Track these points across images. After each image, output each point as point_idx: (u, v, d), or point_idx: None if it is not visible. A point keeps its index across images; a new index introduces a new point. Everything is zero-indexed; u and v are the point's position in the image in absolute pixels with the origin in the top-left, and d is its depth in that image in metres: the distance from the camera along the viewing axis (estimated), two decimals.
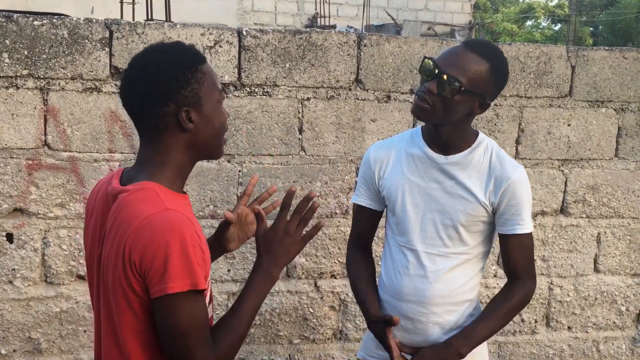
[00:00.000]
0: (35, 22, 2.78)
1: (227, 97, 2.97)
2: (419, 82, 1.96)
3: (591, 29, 30.42)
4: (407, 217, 2.01)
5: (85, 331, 3.02)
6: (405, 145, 2.05)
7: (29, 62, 2.80)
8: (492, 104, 3.09)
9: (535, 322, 3.49)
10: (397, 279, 2.04)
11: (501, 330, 3.41)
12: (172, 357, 1.40)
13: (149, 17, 8.19)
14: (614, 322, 3.57)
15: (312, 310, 3.24)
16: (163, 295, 1.33)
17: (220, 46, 2.97)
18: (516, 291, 2.01)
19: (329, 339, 3.29)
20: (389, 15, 15.20)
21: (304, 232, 1.59)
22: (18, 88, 2.81)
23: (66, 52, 2.82)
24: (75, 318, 3.01)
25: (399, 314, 2.02)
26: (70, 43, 2.82)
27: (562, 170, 3.37)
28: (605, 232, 3.47)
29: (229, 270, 3.14)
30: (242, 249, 3.13)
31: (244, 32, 2.99)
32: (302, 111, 3.09)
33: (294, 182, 3.11)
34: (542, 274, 3.42)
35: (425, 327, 2.02)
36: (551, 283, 3.46)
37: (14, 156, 2.85)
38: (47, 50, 2.80)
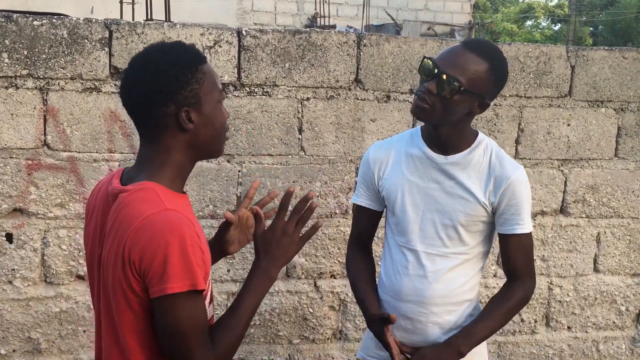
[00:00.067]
0: (35, 22, 2.78)
1: (226, 97, 2.97)
2: (419, 82, 1.96)
3: (591, 29, 30.42)
4: (406, 217, 2.01)
5: (84, 331, 3.02)
6: (404, 145, 2.05)
7: (29, 62, 2.80)
8: (492, 103, 3.09)
9: (535, 322, 3.49)
10: (396, 279, 2.04)
11: (501, 330, 3.42)
12: (171, 357, 1.40)
13: (149, 17, 8.19)
14: (614, 322, 3.57)
15: (311, 310, 3.24)
16: (162, 296, 1.33)
17: (220, 46, 2.97)
18: (516, 291, 2.01)
19: (328, 339, 3.29)
20: (389, 15, 15.20)
21: (302, 233, 1.59)
22: (18, 88, 2.81)
23: (66, 52, 2.82)
24: (74, 318, 3.01)
25: (399, 314, 2.03)
26: (70, 43, 2.82)
27: (562, 170, 3.37)
28: (605, 232, 3.47)
29: (228, 270, 3.14)
30: (242, 249, 3.13)
31: (244, 32, 2.99)
32: (302, 111, 3.09)
33: (293, 182, 3.11)
34: (542, 274, 3.42)
35: (425, 327, 2.02)
36: (551, 283, 3.46)
37: (14, 156, 2.85)
38: (46, 50, 2.80)
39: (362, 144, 3.14)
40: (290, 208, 1.60)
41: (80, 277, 2.99)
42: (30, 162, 2.87)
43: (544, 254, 3.42)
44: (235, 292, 3.12)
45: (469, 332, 1.96)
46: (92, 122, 2.90)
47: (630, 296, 3.56)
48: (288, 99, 3.06)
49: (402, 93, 3.16)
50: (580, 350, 3.57)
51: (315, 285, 3.23)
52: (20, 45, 2.77)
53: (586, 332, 3.55)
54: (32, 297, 2.96)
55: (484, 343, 2.08)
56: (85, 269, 2.93)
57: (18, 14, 2.81)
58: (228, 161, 3.06)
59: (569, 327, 3.53)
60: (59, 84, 2.84)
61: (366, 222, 2.17)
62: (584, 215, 3.43)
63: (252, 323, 3.18)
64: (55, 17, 2.85)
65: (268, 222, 1.62)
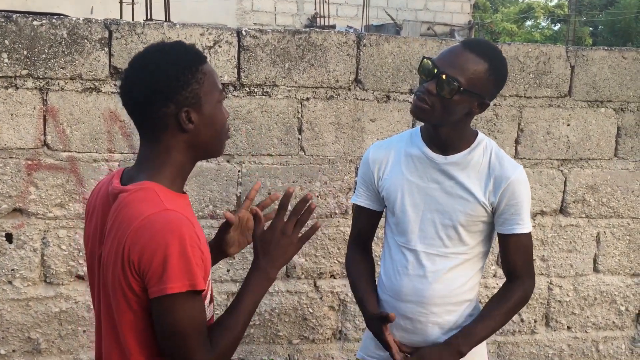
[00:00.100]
0: (35, 22, 2.78)
1: (226, 97, 2.97)
2: (418, 82, 1.96)
3: (591, 29, 30.42)
4: (406, 217, 2.01)
5: (84, 331, 3.02)
6: (404, 145, 2.05)
7: (29, 62, 2.80)
8: (492, 103, 3.09)
9: (535, 322, 3.49)
10: (396, 279, 2.04)
11: (500, 330, 3.43)
12: (169, 357, 1.40)
13: (149, 17, 8.19)
14: (614, 322, 3.57)
15: (311, 310, 3.24)
16: (162, 296, 1.33)
17: (220, 46, 2.97)
18: (515, 290, 2.01)
19: (328, 339, 3.29)
20: (389, 15, 15.20)
21: (301, 233, 1.59)
22: (17, 88, 2.81)
23: (65, 52, 2.82)
24: (74, 318, 3.01)
25: (399, 314, 2.03)
26: (70, 43, 2.82)
27: (562, 170, 3.38)
28: (604, 232, 3.47)
29: (228, 270, 3.14)
30: (242, 250, 3.13)
31: (244, 32, 2.99)
32: (302, 111, 3.09)
33: (293, 182, 3.11)
34: (542, 274, 3.42)
35: (425, 327, 2.02)
36: (551, 283, 3.46)
37: (14, 156, 2.85)
38: (46, 51, 2.80)
39: (362, 144, 3.15)
40: (290, 208, 1.60)
41: (80, 277, 2.99)
42: (30, 162, 2.87)
43: (544, 254, 3.42)
44: (235, 292, 3.12)
45: (468, 332, 1.96)
46: (92, 122, 2.90)
47: (630, 296, 3.56)
48: (288, 99, 3.06)
49: (401, 93, 3.16)
50: (580, 350, 3.57)
51: (315, 285, 3.23)
52: (20, 45, 2.77)
53: (586, 332, 3.55)
54: (31, 297, 2.96)
55: (484, 343, 2.08)
56: (85, 269, 2.93)
57: (18, 14, 2.81)
58: (228, 161, 3.06)
59: (568, 327, 3.53)
60: (58, 84, 2.84)
61: (366, 222, 2.17)
62: (583, 215, 3.43)
63: (252, 323, 3.18)
64: (55, 17, 2.85)
65: (268, 224, 1.62)
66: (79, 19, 2.86)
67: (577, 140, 3.36)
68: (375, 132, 3.15)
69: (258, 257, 1.57)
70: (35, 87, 2.83)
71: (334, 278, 3.24)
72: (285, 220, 1.57)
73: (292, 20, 15.58)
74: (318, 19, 14.20)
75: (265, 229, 1.59)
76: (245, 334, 3.19)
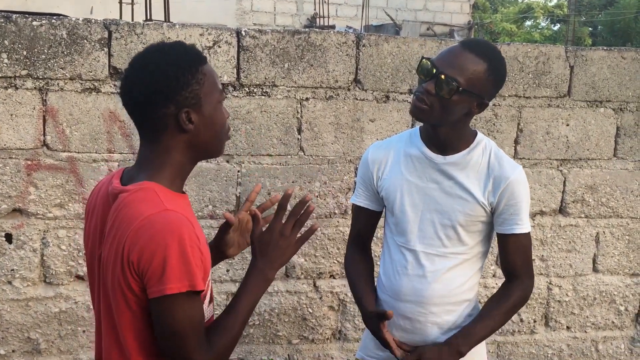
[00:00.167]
0: (34, 23, 2.78)
1: (226, 97, 2.97)
2: (417, 82, 1.96)
3: (590, 29, 30.42)
4: (405, 217, 2.01)
5: (84, 331, 3.02)
6: (403, 145, 2.05)
7: (28, 63, 2.80)
8: (491, 104, 3.09)
9: (534, 322, 3.49)
10: (395, 279, 2.04)
11: (500, 330, 3.43)
12: (168, 357, 1.41)
13: (148, 17, 8.19)
14: (613, 322, 3.57)
15: (311, 311, 3.24)
16: (161, 296, 1.34)
17: (219, 46, 2.97)
18: (514, 290, 2.01)
19: (327, 339, 3.29)
20: (388, 15, 15.20)
21: (298, 235, 1.59)
22: (17, 88, 2.81)
23: (65, 53, 2.82)
24: (74, 318, 3.01)
25: (398, 314, 2.03)
26: (69, 43, 2.82)
27: (561, 170, 3.38)
28: (604, 232, 3.47)
29: (227, 271, 3.14)
30: None
31: (243, 33, 2.99)
32: (301, 111, 3.09)
33: (292, 182, 3.11)
34: (541, 274, 3.43)
35: (424, 327, 2.02)
36: (550, 283, 3.47)
37: (13, 156, 2.86)
38: (46, 51, 2.80)
39: (361, 144, 3.15)
40: (289, 208, 1.60)
41: (79, 277, 2.99)
42: (29, 162, 2.87)
43: (543, 254, 3.43)
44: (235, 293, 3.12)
45: (468, 332, 1.96)
46: (92, 123, 2.90)
47: (629, 296, 3.56)
48: (287, 99, 3.06)
49: (401, 93, 3.16)
50: (580, 350, 3.57)
51: (314, 285, 3.24)
52: (20, 45, 2.78)
53: (585, 332, 3.56)
54: (31, 297, 2.96)
55: (483, 343, 2.08)
56: (84, 269, 2.93)
57: (17, 15, 2.81)
58: (227, 161, 3.06)
59: (568, 327, 3.53)
60: (58, 84, 2.84)
61: (365, 222, 2.18)
62: (583, 215, 3.43)
63: (251, 323, 3.19)
64: (55, 17, 2.85)
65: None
66: (78, 19, 2.86)
67: (576, 140, 3.36)
68: (375, 132, 3.16)
69: (256, 258, 1.57)
70: (35, 88, 2.83)
71: (334, 278, 3.25)
72: (284, 221, 1.58)
73: (291, 20, 15.58)
74: (317, 19, 14.20)
75: (263, 230, 1.59)
76: (245, 334, 3.19)
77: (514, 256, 2.01)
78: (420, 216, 1.99)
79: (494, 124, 3.27)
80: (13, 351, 2.98)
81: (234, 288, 3.14)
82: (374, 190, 2.10)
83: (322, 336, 3.28)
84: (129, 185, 1.44)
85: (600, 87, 3.34)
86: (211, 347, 1.42)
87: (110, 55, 2.87)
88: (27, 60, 2.79)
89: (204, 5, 14.16)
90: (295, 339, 3.26)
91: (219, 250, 1.74)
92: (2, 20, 2.75)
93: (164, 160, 1.46)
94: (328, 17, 13.73)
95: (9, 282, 2.93)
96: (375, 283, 2.19)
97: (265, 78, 3.02)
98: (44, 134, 2.87)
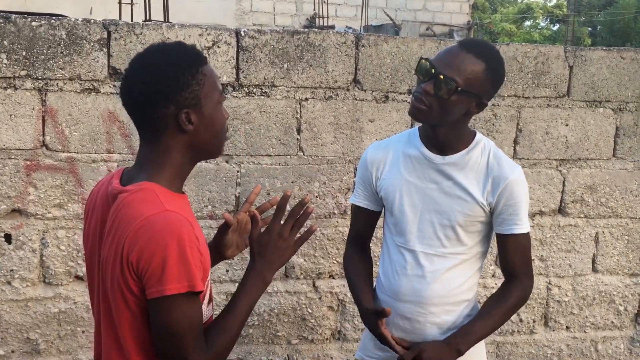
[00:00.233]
0: (34, 23, 2.78)
1: (226, 98, 2.97)
2: (416, 82, 1.96)
3: (590, 29, 30.44)
4: (404, 217, 2.01)
5: (83, 332, 3.02)
6: (402, 145, 2.05)
7: (27, 63, 2.80)
8: (490, 104, 3.09)
9: (534, 322, 3.49)
10: (394, 279, 2.04)
11: (499, 330, 3.43)
12: (165, 358, 1.41)
13: (147, 17, 8.19)
14: (612, 322, 3.57)
15: (310, 311, 3.24)
16: (160, 297, 1.34)
17: (219, 47, 2.97)
18: (513, 290, 2.02)
19: (327, 339, 3.29)
20: (387, 15, 15.20)
21: (297, 236, 1.60)
22: (16, 89, 2.81)
23: (64, 53, 2.82)
24: (73, 319, 3.01)
25: (397, 314, 2.03)
26: (69, 44, 2.82)
27: (560, 170, 3.38)
28: (603, 232, 3.47)
29: (227, 271, 3.14)
30: None
31: (242, 33, 2.99)
32: (300, 111, 3.09)
33: (292, 182, 3.11)
34: (540, 274, 3.43)
35: (423, 327, 2.02)
36: (549, 283, 3.47)
37: (12, 157, 2.85)
38: (45, 51, 2.80)
39: (361, 144, 3.15)
40: (288, 209, 1.60)
41: (79, 278, 2.99)
42: (28, 162, 2.87)
43: (543, 254, 3.43)
44: None
45: (467, 331, 1.96)
46: (91, 123, 2.90)
47: (628, 296, 3.56)
48: (286, 100, 3.06)
49: (400, 93, 3.16)
50: (579, 350, 3.57)
51: (313, 285, 3.24)
52: (19, 46, 2.78)
53: (585, 332, 3.56)
54: (30, 297, 2.96)
55: (483, 343, 2.09)
56: (84, 269, 2.93)
57: (16, 15, 2.81)
58: (227, 161, 3.06)
59: (567, 327, 3.54)
60: (57, 84, 2.84)
61: (364, 222, 2.18)
62: (582, 215, 3.44)
63: (250, 323, 3.19)
64: (54, 17, 2.85)
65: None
66: (77, 19, 2.86)
67: (575, 141, 3.36)
68: (374, 132, 3.16)
69: (254, 259, 1.57)
70: (34, 88, 2.83)
71: (333, 278, 3.25)
72: (283, 222, 1.58)
73: (291, 20, 15.58)
74: (317, 20, 14.20)
75: (262, 231, 1.59)
76: (244, 334, 3.19)
77: (513, 256, 2.02)
78: (420, 216, 2.00)
79: (493, 124, 3.27)
80: (12, 351, 2.98)
81: (233, 288, 3.14)
82: (373, 191, 2.10)
83: (321, 336, 3.28)
84: (128, 186, 1.45)
85: (599, 87, 3.35)
86: (209, 348, 1.42)
87: (109, 56, 2.87)
88: (26, 60, 2.79)
89: (204, 6, 14.16)
90: (294, 339, 3.26)
91: (218, 251, 1.75)
92: (1, 20, 2.75)
93: (163, 161, 1.47)
94: (327, 18, 13.73)
95: (8, 283, 2.93)
96: (375, 283, 2.19)
97: (265, 78, 3.02)
98: (43, 135, 2.87)
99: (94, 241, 1.52)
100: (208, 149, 1.53)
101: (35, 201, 2.89)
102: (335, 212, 3.18)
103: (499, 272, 3.35)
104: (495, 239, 2.05)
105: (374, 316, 1.96)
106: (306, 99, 3.08)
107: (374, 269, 2.22)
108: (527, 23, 34.47)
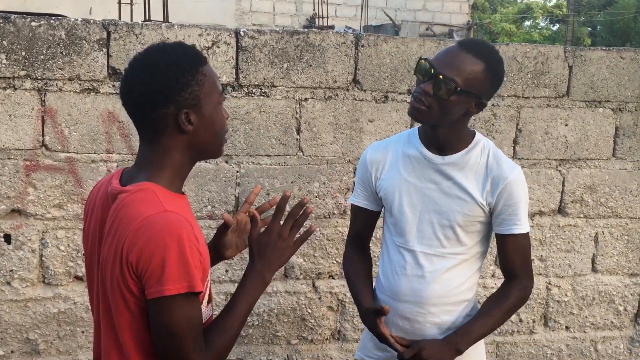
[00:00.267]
0: (33, 23, 2.78)
1: (226, 98, 2.97)
2: (415, 83, 1.96)
3: (589, 29, 30.45)
4: (404, 217, 2.01)
5: (83, 332, 3.02)
6: (402, 145, 2.05)
7: (27, 63, 2.80)
8: (490, 104, 3.09)
9: (533, 322, 3.49)
10: (394, 279, 2.04)
11: (499, 330, 3.43)
12: (165, 358, 1.40)
13: (147, 17, 8.19)
14: (612, 322, 3.57)
15: (310, 311, 3.24)
16: (159, 297, 1.34)
17: (218, 47, 2.97)
18: (513, 290, 2.02)
19: (327, 339, 3.29)
20: (387, 15, 15.21)
21: (296, 236, 1.59)
22: (16, 89, 2.81)
23: (64, 53, 2.82)
24: (73, 319, 3.01)
25: (397, 314, 2.03)
26: (68, 44, 2.82)
27: (560, 170, 3.38)
28: (602, 232, 3.47)
29: (226, 271, 3.14)
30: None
31: (242, 33, 2.99)
32: (300, 112, 3.09)
33: (291, 182, 3.11)
34: (540, 274, 3.43)
35: (423, 327, 2.02)
36: (549, 283, 3.47)
37: (12, 157, 2.85)
38: (44, 51, 2.80)
39: (360, 144, 3.15)
40: (287, 210, 1.60)
41: (78, 278, 2.99)
42: (28, 163, 2.87)
43: (542, 254, 3.43)
44: None
45: (466, 330, 1.96)
46: (90, 123, 2.90)
47: (628, 296, 3.56)
48: (286, 100, 3.06)
49: (400, 93, 3.16)
50: (579, 350, 3.57)
51: (313, 285, 3.24)
52: (18, 46, 2.78)
53: (584, 332, 3.56)
54: (30, 298, 2.96)
55: (482, 343, 2.09)
56: (83, 269, 2.93)
57: (16, 15, 2.81)
58: (226, 162, 3.06)
59: (567, 327, 3.53)
60: (57, 84, 2.84)
61: (364, 222, 2.18)
62: (582, 216, 3.44)
63: (250, 324, 3.18)
64: (53, 18, 2.85)
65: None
66: (77, 19, 2.86)
67: (575, 141, 3.36)
68: (374, 132, 3.16)
69: (254, 259, 1.57)
70: (34, 88, 2.83)
71: (333, 278, 3.25)
72: (282, 223, 1.57)
73: (290, 20, 15.58)
74: (317, 20, 14.21)
75: (261, 231, 1.59)
76: (244, 334, 3.19)
77: (512, 256, 2.02)
78: (419, 216, 2.00)
79: (492, 124, 3.27)
80: (12, 352, 2.98)
81: (233, 288, 3.14)
82: (373, 191, 2.10)
83: (321, 336, 3.28)
84: (128, 186, 1.45)
85: (599, 87, 3.35)
86: (209, 348, 1.42)
87: (108, 56, 2.87)
88: (25, 60, 2.79)
89: (203, 6, 14.16)
90: (294, 340, 3.26)
91: (217, 251, 1.75)
92: (0, 20, 2.75)
93: (163, 161, 1.47)
94: (327, 18, 13.74)
95: (8, 283, 2.93)
96: (374, 283, 2.19)
97: (264, 78, 3.02)
98: (43, 135, 2.87)
99: (94, 241, 1.52)
100: (208, 150, 1.53)
101: (34, 201, 2.89)
102: (335, 212, 3.18)
103: (498, 272, 3.35)
104: (495, 239, 2.05)
105: (372, 315, 1.95)
106: (306, 99, 3.08)
107: (373, 269, 2.22)
108: (527, 23, 34.48)
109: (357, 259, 2.17)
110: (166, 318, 1.35)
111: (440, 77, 1.82)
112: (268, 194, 3.07)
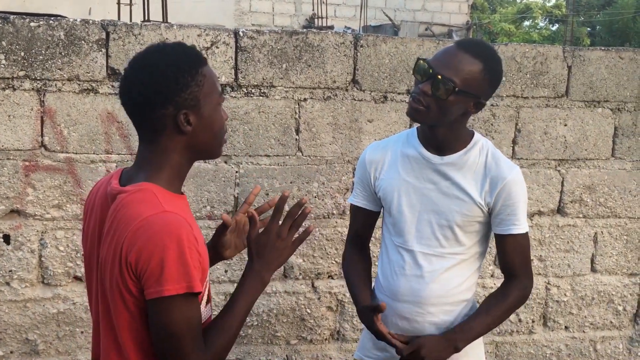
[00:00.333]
0: (32, 24, 2.78)
1: (225, 99, 2.97)
2: (414, 83, 1.96)
3: (588, 29, 30.47)
4: (403, 217, 2.01)
5: (82, 332, 3.02)
6: (401, 146, 2.06)
7: (26, 64, 2.80)
8: (489, 104, 3.09)
9: (533, 322, 3.49)
10: (393, 279, 2.04)
11: (498, 330, 3.43)
12: (164, 358, 1.40)
13: (146, 18, 8.19)
14: (611, 322, 3.57)
15: (309, 311, 3.24)
16: (158, 297, 1.34)
17: (217, 47, 2.97)
18: (513, 290, 2.02)
19: (326, 339, 3.29)
20: (386, 15, 15.21)
21: (295, 237, 1.60)
22: (15, 89, 2.81)
23: (63, 54, 2.82)
24: (72, 319, 3.01)
25: (396, 314, 2.03)
26: (67, 44, 2.82)
27: (559, 170, 3.38)
28: (602, 232, 3.48)
29: (226, 271, 3.14)
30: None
31: (241, 33, 2.99)
32: (299, 112, 3.09)
33: (290, 182, 3.11)
34: (539, 274, 3.43)
35: (422, 327, 2.02)
36: (548, 283, 3.47)
37: (11, 157, 2.85)
38: (43, 52, 2.80)
39: (360, 144, 3.15)
40: (286, 210, 1.60)
41: (77, 278, 2.98)
42: (27, 163, 2.87)
43: (542, 254, 3.43)
44: None
45: (465, 328, 1.96)
46: (89, 123, 2.90)
47: (627, 296, 3.56)
48: (285, 100, 3.06)
49: (399, 94, 3.16)
50: (578, 350, 3.57)
51: (312, 285, 3.24)
52: (17, 46, 2.77)
53: (584, 332, 3.56)
54: (29, 298, 2.96)
55: (481, 342, 2.09)
56: (82, 270, 2.93)
57: (15, 15, 2.81)
58: (225, 162, 3.06)
59: (566, 327, 3.54)
60: (56, 85, 2.84)
61: (363, 222, 2.18)
62: (581, 215, 3.44)
63: (249, 324, 3.19)
64: (52, 18, 2.85)
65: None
66: (76, 20, 2.86)
67: (574, 141, 3.36)
68: (373, 132, 3.16)
69: (252, 259, 1.57)
70: (33, 89, 2.83)
71: (332, 279, 3.25)
72: (281, 223, 1.57)
73: (290, 21, 15.58)
74: (316, 20, 14.21)
75: (260, 232, 1.59)
76: (243, 334, 3.19)
77: (512, 256, 2.02)
78: (418, 217, 2.00)
79: (491, 124, 3.27)
80: (11, 352, 2.98)
81: (232, 289, 3.14)
82: (372, 191, 2.10)
83: (320, 337, 3.28)
84: (127, 186, 1.45)
85: (598, 87, 3.35)
86: (208, 348, 1.42)
87: (107, 56, 2.87)
88: (24, 61, 2.79)
89: (203, 6, 14.16)
90: (293, 340, 3.26)
91: (216, 251, 1.75)
92: (0, 21, 2.75)
93: (162, 161, 1.47)
94: (326, 18, 13.74)
95: (7, 283, 2.93)
96: (373, 283, 2.19)
97: (263, 79, 3.02)
98: (42, 135, 2.87)
99: (93, 242, 1.52)
100: (207, 150, 1.53)
101: (33, 202, 2.89)
102: (334, 212, 3.18)
103: (498, 272, 3.35)
104: (494, 239, 2.05)
105: (370, 313, 1.95)
106: (305, 99, 3.08)
107: (373, 269, 2.22)
108: (526, 23, 34.50)
109: (357, 259, 2.18)
110: (165, 318, 1.35)
111: (439, 77, 1.82)
112: (267, 194, 3.08)
